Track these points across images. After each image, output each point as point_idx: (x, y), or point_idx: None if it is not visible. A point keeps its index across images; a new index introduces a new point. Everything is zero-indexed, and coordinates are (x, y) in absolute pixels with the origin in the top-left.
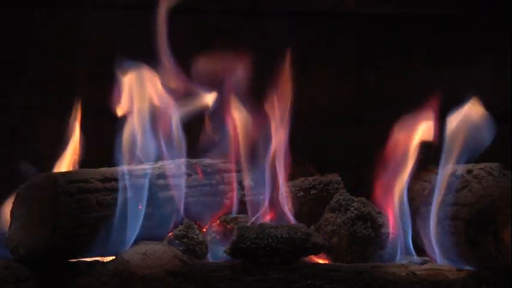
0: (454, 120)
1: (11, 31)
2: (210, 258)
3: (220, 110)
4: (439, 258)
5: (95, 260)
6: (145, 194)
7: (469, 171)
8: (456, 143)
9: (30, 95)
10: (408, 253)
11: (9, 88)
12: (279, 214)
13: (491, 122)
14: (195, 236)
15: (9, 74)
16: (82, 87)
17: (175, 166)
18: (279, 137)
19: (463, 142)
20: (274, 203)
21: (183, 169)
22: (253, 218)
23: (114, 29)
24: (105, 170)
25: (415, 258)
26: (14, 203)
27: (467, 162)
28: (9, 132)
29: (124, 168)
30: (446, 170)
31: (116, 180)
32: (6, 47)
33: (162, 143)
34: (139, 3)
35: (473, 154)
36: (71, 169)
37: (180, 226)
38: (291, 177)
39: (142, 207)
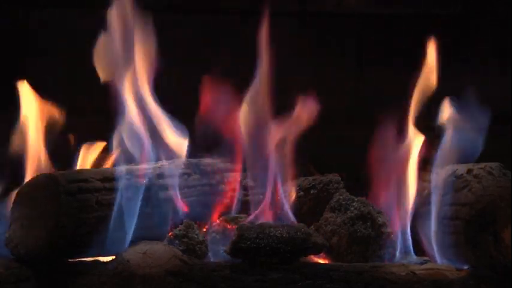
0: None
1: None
2: (210, 258)
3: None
4: (439, 258)
5: (95, 260)
6: (141, 193)
7: (469, 171)
8: (450, 147)
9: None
10: (407, 253)
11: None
12: (279, 214)
13: (479, 134)
14: (195, 236)
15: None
16: (81, 86)
17: (175, 166)
18: (280, 137)
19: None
20: (274, 203)
21: (183, 169)
22: (251, 217)
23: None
24: (105, 170)
25: (414, 257)
26: (14, 203)
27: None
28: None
29: (124, 168)
30: (445, 170)
31: (116, 180)
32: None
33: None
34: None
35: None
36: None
37: (180, 226)
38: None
39: (138, 207)
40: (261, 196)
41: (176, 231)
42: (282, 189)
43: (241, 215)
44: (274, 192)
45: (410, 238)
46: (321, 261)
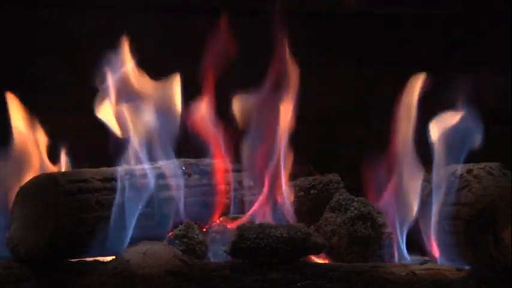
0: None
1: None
2: (210, 258)
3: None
4: (439, 258)
5: (95, 260)
6: (146, 194)
7: (469, 171)
8: (443, 146)
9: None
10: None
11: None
12: (279, 214)
13: (477, 121)
14: (195, 236)
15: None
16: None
17: (175, 166)
18: (281, 137)
19: (449, 144)
20: (273, 202)
21: (183, 169)
22: (248, 214)
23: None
24: (105, 170)
25: (408, 259)
26: (14, 203)
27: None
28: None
29: (123, 168)
30: (445, 170)
31: (116, 180)
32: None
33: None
34: (138, 3)
35: (462, 154)
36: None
37: (180, 226)
38: (292, 177)
39: (141, 207)
40: (260, 196)
41: (176, 231)
42: (282, 189)
43: (241, 215)
44: (274, 192)
45: (404, 240)
46: (320, 261)
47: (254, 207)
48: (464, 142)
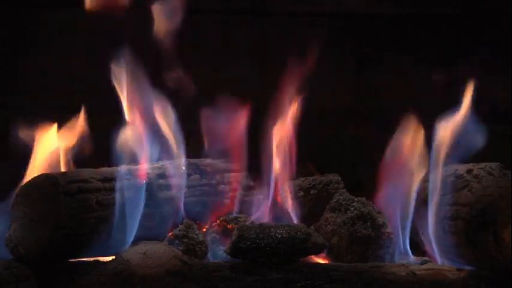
0: (443, 125)
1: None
2: (210, 258)
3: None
4: (439, 258)
5: (95, 260)
6: (143, 194)
7: (469, 171)
8: (444, 147)
9: (27, 95)
10: (405, 253)
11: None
12: (279, 214)
13: (480, 125)
14: (195, 236)
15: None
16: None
17: (175, 166)
18: (281, 137)
19: (450, 146)
20: (275, 203)
21: (183, 169)
22: (253, 217)
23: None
24: (105, 170)
25: (412, 258)
26: (14, 203)
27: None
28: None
29: (123, 168)
30: (445, 170)
31: (116, 180)
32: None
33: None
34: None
35: (463, 157)
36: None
37: (180, 226)
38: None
39: (140, 207)
40: (261, 196)
41: (176, 231)
42: (282, 189)
43: (241, 215)
44: (275, 192)
45: (408, 238)
46: (320, 261)
47: (260, 211)
48: (467, 145)
